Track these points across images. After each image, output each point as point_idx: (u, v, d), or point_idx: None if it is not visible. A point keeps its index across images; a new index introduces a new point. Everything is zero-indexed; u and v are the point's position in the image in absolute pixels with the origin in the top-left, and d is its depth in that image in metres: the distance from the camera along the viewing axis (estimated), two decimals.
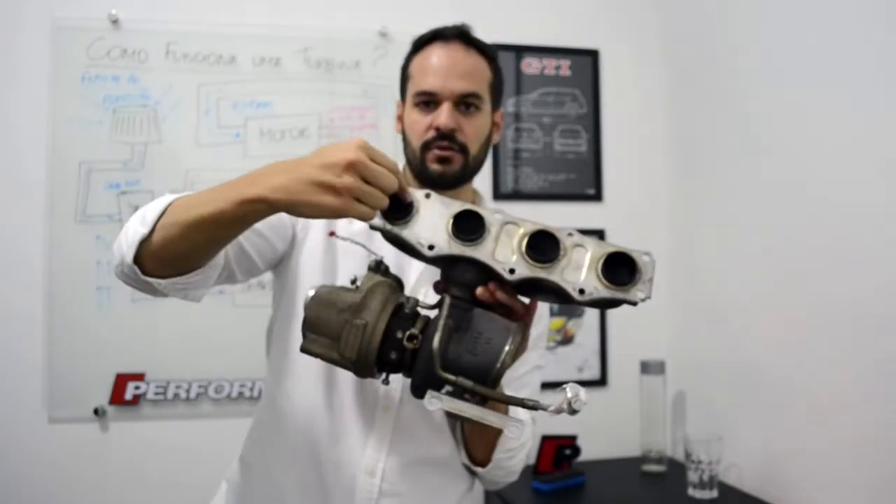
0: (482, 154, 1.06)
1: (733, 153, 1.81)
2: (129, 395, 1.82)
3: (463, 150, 1.02)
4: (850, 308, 1.41)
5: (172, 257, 0.82)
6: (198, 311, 1.85)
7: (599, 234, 2.09)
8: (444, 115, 1.00)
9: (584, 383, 2.23)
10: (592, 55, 2.14)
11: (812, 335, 1.51)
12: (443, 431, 1.04)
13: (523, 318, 0.81)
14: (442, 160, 1.01)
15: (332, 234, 1.01)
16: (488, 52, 1.09)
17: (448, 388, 0.74)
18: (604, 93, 2.14)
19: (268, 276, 1.89)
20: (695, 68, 2.01)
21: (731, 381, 1.80)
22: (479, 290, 0.78)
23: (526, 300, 0.82)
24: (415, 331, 0.78)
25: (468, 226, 0.79)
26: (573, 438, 1.91)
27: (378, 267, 0.84)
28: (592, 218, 2.10)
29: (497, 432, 1.00)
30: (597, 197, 2.12)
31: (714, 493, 1.67)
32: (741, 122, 1.77)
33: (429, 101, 1.02)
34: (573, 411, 0.71)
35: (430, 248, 0.79)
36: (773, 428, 1.64)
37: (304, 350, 0.82)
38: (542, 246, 0.78)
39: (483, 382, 0.74)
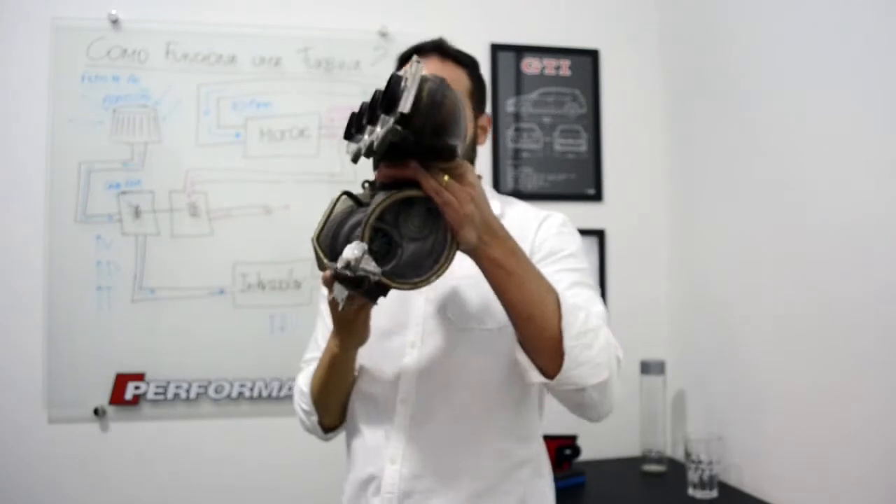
0: (467, 156, 1.06)
1: (733, 153, 1.81)
2: (129, 395, 1.82)
3: None
4: (851, 308, 1.41)
5: (336, 407, 1.14)
6: (198, 311, 1.87)
7: (599, 234, 2.09)
8: None
9: None
10: (592, 55, 2.14)
11: (812, 335, 1.51)
12: (463, 417, 1.05)
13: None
14: None
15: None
16: (465, 62, 1.13)
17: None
18: (604, 93, 2.14)
19: (268, 277, 1.90)
20: (695, 68, 2.01)
21: (731, 381, 1.80)
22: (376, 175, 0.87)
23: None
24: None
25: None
26: (573, 438, 1.91)
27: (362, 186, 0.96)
28: (592, 218, 2.10)
29: (546, 329, 0.89)
30: (597, 197, 2.12)
31: (714, 493, 1.67)
32: (741, 122, 1.77)
33: None
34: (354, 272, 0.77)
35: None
36: (773, 428, 1.64)
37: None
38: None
39: None
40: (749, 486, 1.71)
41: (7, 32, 1.80)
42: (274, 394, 1.89)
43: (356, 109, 0.89)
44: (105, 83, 1.84)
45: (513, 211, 1.16)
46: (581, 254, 1.09)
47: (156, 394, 1.83)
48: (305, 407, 1.14)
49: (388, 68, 1.95)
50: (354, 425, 1.13)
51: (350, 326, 0.99)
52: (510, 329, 0.94)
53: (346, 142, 0.93)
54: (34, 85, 1.79)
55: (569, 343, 0.88)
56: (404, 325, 1.07)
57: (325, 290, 1.16)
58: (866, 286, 1.37)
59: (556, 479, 1.80)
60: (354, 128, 0.90)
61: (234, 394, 1.87)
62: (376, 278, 0.78)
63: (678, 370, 2.02)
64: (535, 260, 0.99)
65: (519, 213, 1.15)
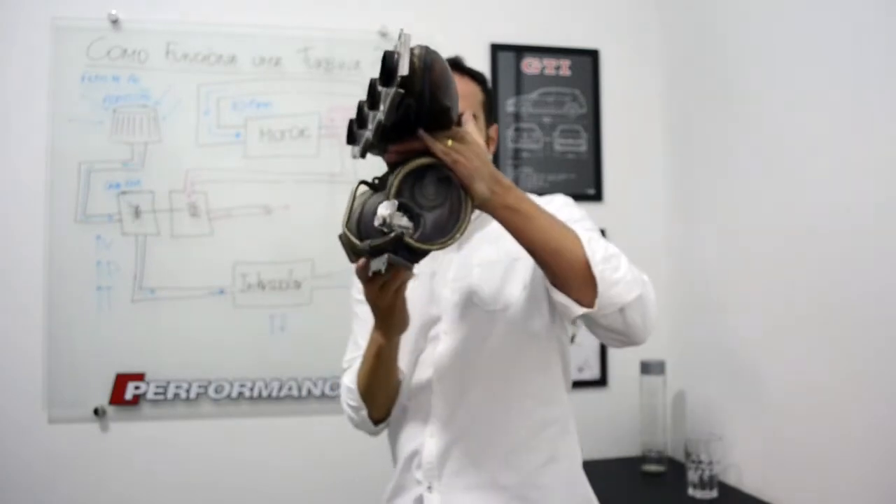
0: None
1: (733, 153, 1.81)
2: (129, 395, 1.82)
3: None
4: (851, 308, 1.41)
5: (383, 398, 1.17)
6: (198, 311, 1.87)
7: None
8: None
9: (584, 383, 2.24)
10: (592, 55, 2.14)
11: (813, 335, 1.51)
12: (491, 387, 1.12)
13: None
14: None
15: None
16: (479, 77, 1.22)
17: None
18: (604, 93, 2.14)
19: (268, 277, 1.90)
20: (695, 68, 2.01)
21: (731, 381, 1.80)
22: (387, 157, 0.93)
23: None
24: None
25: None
26: None
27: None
28: (592, 218, 2.09)
29: (572, 256, 0.95)
30: (597, 197, 2.12)
31: (714, 493, 1.67)
32: (741, 121, 1.77)
33: None
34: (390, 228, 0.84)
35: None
36: (773, 428, 1.64)
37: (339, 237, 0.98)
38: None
39: None
40: (749, 486, 1.71)
41: (7, 32, 1.80)
42: (274, 394, 1.89)
43: (353, 116, 0.97)
44: (105, 83, 1.84)
45: None
46: (589, 221, 1.17)
47: (156, 394, 1.83)
48: (353, 403, 1.17)
49: None
50: (399, 412, 1.18)
51: (391, 313, 1.03)
52: (527, 304, 1.11)
53: (350, 147, 0.99)
54: (34, 85, 1.79)
55: (597, 267, 0.94)
56: (437, 316, 1.15)
57: (358, 294, 1.21)
58: (866, 286, 1.37)
59: None
60: (357, 125, 0.96)
61: (234, 394, 1.87)
62: (409, 232, 0.85)
63: (678, 370, 2.02)
64: None
65: None
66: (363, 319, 1.20)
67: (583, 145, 2.12)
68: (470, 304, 1.14)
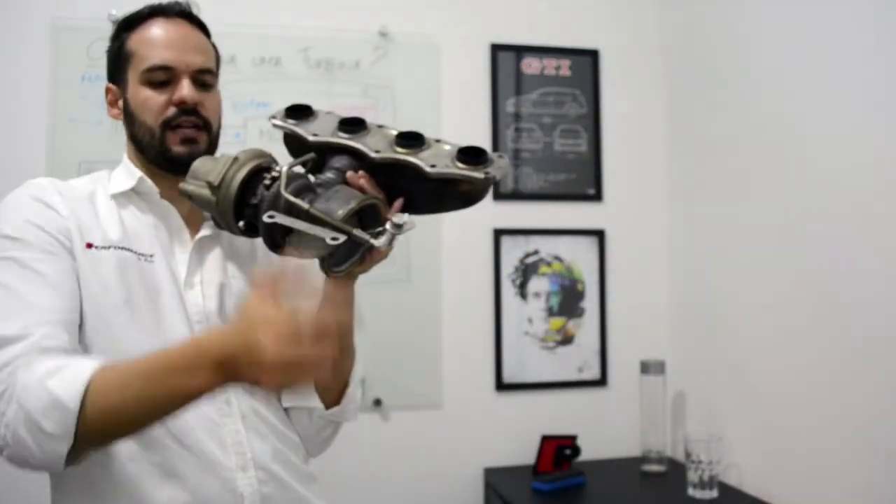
0: (219, 133, 1.04)
1: (733, 153, 1.81)
2: None
3: (207, 126, 1.00)
4: (851, 307, 1.41)
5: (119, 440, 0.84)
6: None
7: (599, 234, 2.09)
8: (187, 89, 0.96)
9: (584, 383, 2.23)
10: (592, 55, 2.14)
11: (812, 335, 1.52)
12: (286, 421, 1.01)
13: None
14: (187, 141, 0.98)
15: (88, 245, 0.94)
16: (208, 32, 1.05)
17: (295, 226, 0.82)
18: (604, 93, 2.14)
19: None
20: (695, 68, 2.01)
21: (731, 381, 1.80)
22: (349, 174, 0.90)
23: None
24: (276, 173, 0.87)
25: (352, 126, 0.95)
26: (573, 438, 1.91)
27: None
28: (592, 218, 2.10)
29: (348, 367, 1.03)
30: (597, 197, 2.12)
31: (714, 493, 1.67)
32: (741, 121, 1.78)
33: (163, 78, 0.98)
34: (397, 228, 0.83)
35: (314, 135, 0.94)
36: (773, 428, 1.64)
37: (181, 190, 0.90)
38: (411, 141, 0.92)
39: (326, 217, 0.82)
40: (749, 486, 1.71)
41: (7, 32, 1.79)
42: None
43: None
44: (105, 83, 1.83)
45: None
46: None
47: None
48: (52, 428, 0.74)
49: (388, 68, 1.97)
50: (161, 441, 0.89)
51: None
52: None
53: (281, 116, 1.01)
54: (34, 85, 1.79)
55: (353, 385, 1.04)
56: (182, 317, 0.95)
57: (16, 231, 0.90)
58: (866, 286, 1.38)
59: (557, 479, 1.82)
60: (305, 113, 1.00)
61: None
62: (370, 245, 0.85)
63: (678, 370, 2.02)
64: None
65: None
66: (36, 270, 0.86)
67: (583, 145, 2.12)
68: (223, 317, 0.96)
